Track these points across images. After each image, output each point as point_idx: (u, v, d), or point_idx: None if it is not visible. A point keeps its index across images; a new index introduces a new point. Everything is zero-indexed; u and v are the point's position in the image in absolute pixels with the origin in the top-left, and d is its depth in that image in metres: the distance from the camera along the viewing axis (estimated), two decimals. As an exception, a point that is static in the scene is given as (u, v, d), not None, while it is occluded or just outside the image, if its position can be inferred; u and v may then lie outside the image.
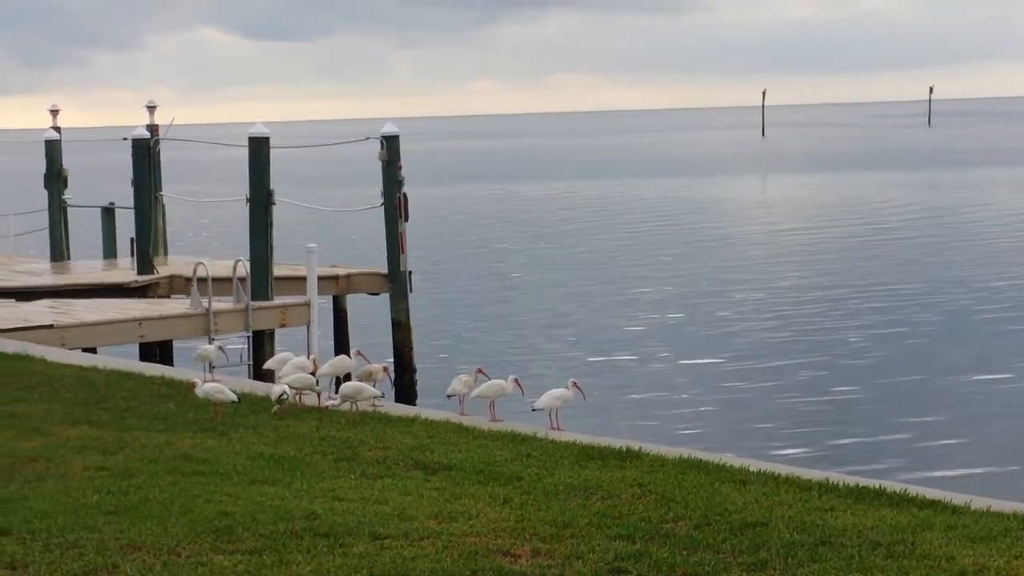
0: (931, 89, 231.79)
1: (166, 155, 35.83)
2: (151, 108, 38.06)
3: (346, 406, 17.06)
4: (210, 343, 23.72)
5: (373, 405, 17.39)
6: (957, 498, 12.69)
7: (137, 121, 36.75)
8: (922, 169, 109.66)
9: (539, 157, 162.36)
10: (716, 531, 11.39)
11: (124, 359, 22.84)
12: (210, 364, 20.66)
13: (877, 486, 12.98)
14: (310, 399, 17.62)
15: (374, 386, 17.87)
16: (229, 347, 24.11)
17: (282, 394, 16.87)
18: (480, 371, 17.86)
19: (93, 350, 25.03)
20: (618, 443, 15.09)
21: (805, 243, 57.85)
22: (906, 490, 12.84)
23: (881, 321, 36.18)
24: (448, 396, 17.73)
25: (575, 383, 16.92)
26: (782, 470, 13.82)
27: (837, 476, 13.62)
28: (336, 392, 17.94)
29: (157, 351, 27.43)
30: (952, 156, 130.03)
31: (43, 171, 37.56)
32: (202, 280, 26.48)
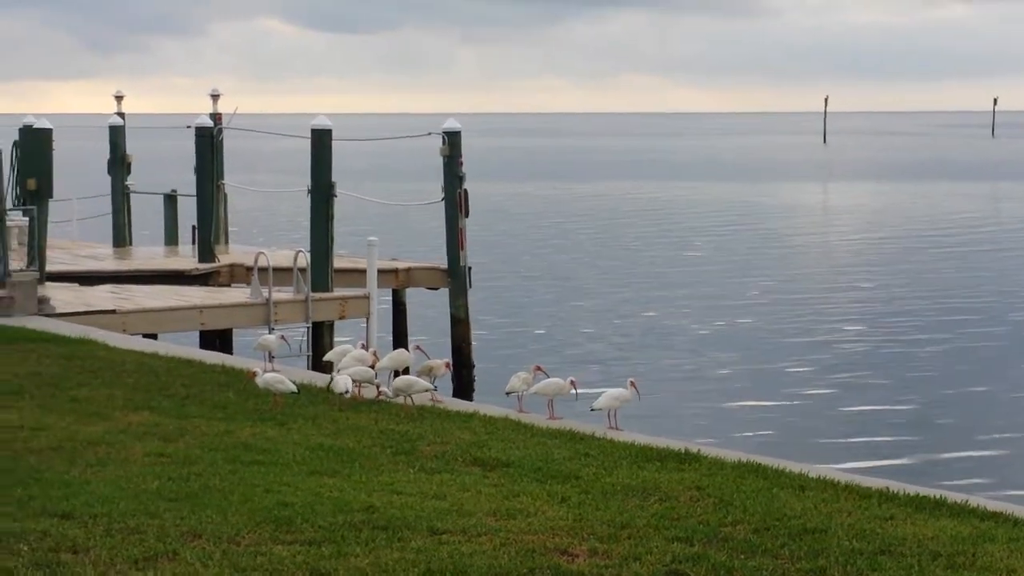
0: (995, 100, 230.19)
1: (229, 144, 35.97)
2: (215, 96, 38.21)
3: (400, 399, 17.10)
4: (270, 333, 23.82)
5: (433, 399, 17.43)
6: (1019, 510, 12.60)
7: (199, 109, 36.91)
8: (986, 180, 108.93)
9: (601, 157, 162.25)
10: (775, 536, 11.35)
11: (184, 346, 22.96)
12: (270, 354, 20.74)
13: (938, 496, 12.91)
14: (368, 392, 17.65)
15: (434, 381, 17.92)
16: (288, 338, 24.16)
17: (346, 391, 16.94)
18: (538, 368, 17.86)
19: (154, 336, 25.17)
20: (676, 445, 15.06)
21: (868, 252, 57.56)
22: (967, 501, 12.76)
23: (946, 332, 35.93)
24: (507, 393, 17.72)
25: (633, 382, 16.90)
26: (841, 477, 13.77)
27: (897, 485, 13.53)
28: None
29: (217, 339, 27.56)
30: (1016, 168, 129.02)
31: (107, 156, 37.77)
32: (263, 270, 26.59)
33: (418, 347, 19.70)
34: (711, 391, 29.10)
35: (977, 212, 77.43)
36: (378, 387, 17.56)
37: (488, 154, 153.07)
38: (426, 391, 17.16)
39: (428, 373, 18.12)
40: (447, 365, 18.52)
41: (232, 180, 37.02)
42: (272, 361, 20.55)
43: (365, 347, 20.83)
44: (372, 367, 18.20)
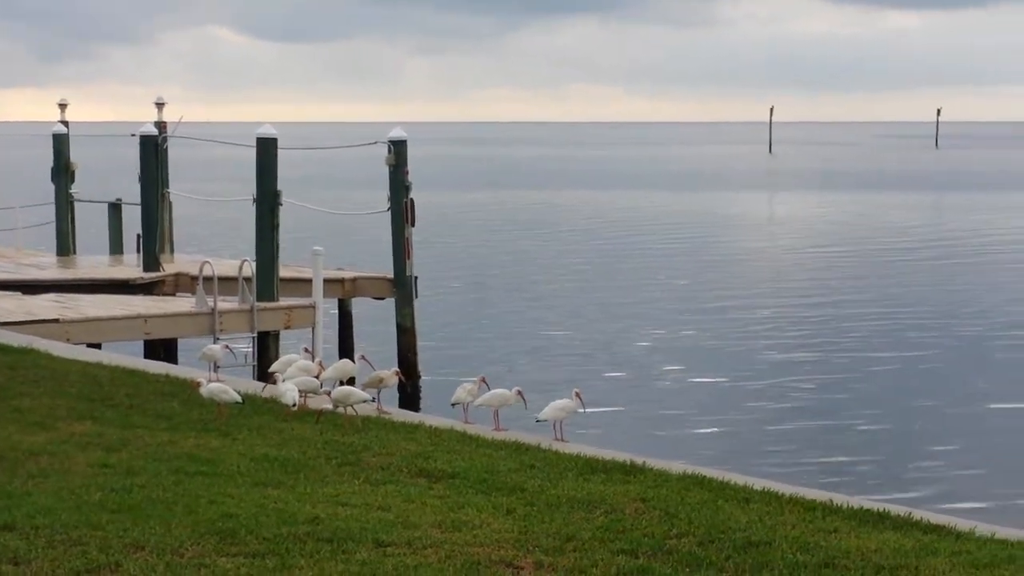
0: (939, 111, 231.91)
1: (174, 152, 35.81)
2: (160, 105, 38.04)
3: (340, 410, 17.05)
4: (215, 342, 23.71)
5: (378, 410, 17.39)
6: (962, 523, 12.69)
7: (146, 117, 36.75)
8: (930, 191, 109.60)
9: (550, 166, 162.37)
10: (719, 549, 11.37)
11: (129, 356, 22.84)
12: (215, 364, 20.66)
13: (881, 509, 12.98)
14: (315, 402, 17.61)
15: (380, 392, 17.89)
16: (233, 348, 24.07)
17: (293, 404, 16.89)
18: (483, 380, 17.87)
19: (98, 346, 25.02)
20: (622, 456, 15.09)
21: (811, 262, 57.80)
22: (910, 514, 12.83)
23: (888, 343, 36.12)
24: (452, 404, 17.72)
25: (578, 393, 16.92)
26: (786, 489, 13.82)
27: (841, 497, 13.60)
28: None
29: (162, 349, 27.42)
30: (959, 179, 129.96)
31: (50, 165, 37.55)
32: (208, 279, 26.49)
33: (363, 357, 19.65)
34: (657, 403, 29.14)
35: (921, 223, 77.89)
36: (319, 412, 17.31)
37: (438, 163, 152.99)
38: (364, 402, 17.08)
39: (379, 383, 18.09)
40: (397, 374, 18.51)
41: (177, 189, 36.86)
42: (217, 371, 20.47)
43: (309, 351, 20.81)
44: (317, 377, 18.17)
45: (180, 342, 28.65)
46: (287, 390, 17.02)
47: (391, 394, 19.27)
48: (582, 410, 17.18)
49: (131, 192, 34.42)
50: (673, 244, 64.42)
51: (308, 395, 17.62)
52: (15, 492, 12.51)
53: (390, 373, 18.36)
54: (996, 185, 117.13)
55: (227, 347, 21.57)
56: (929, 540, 11.89)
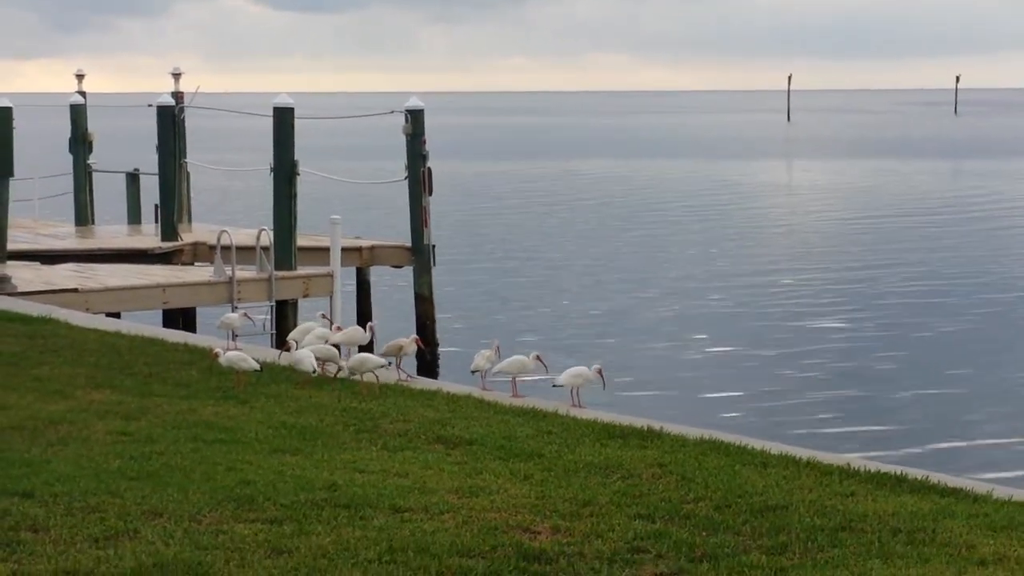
0: (958, 78, 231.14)
1: (191, 122, 35.83)
2: (176, 75, 38.01)
3: (356, 377, 17.05)
4: (233, 311, 23.76)
5: (400, 378, 17.40)
6: (979, 486, 12.67)
7: (163, 88, 36.75)
8: (948, 158, 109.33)
9: (568, 136, 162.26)
10: (736, 513, 11.38)
11: (148, 325, 22.89)
12: (233, 332, 20.68)
13: (898, 472, 12.96)
14: (332, 368, 17.64)
15: (399, 360, 17.90)
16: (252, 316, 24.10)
17: (314, 371, 16.93)
18: (497, 347, 17.86)
19: (117, 315, 25.09)
20: (639, 422, 15.08)
21: (831, 230, 57.73)
22: (927, 477, 12.82)
23: (911, 310, 36.07)
24: (472, 372, 17.72)
25: (600, 370, 16.87)
26: (803, 454, 13.81)
27: (858, 461, 13.60)
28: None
29: (180, 318, 27.49)
30: (978, 145, 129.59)
31: (68, 135, 37.60)
32: (226, 248, 26.54)
33: (371, 327, 19.67)
34: (678, 371, 29.15)
35: (941, 189, 77.70)
36: (338, 368, 17.43)
37: (455, 132, 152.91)
38: (381, 367, 17.06)
39: (399, 351, 18.08)
40: (416, 341, 18.45)
41: (195, 159, 36.89)
42: (235, 339, 20.51)
43: (327, 316, 20.83)
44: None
45: (198, 311, 28.71)
46: (304, 357, 17.03)
47: (409, 362, 19.24)
48: (602, 387, 17.14)
49: (149, 162, 34.46)
50: (693, 213, 64.35)
51: (326, 362, 17.64)
52: (35, 460, 12.56)
53: (409, 340, 18.33)
54: (1014, 151, 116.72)
55: (246, 315, 21.62)
56: (946, 503, 11.88)
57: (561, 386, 16.72)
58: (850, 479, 12.70)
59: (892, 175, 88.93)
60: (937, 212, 64.07)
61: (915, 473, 12.98)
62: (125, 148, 55.91)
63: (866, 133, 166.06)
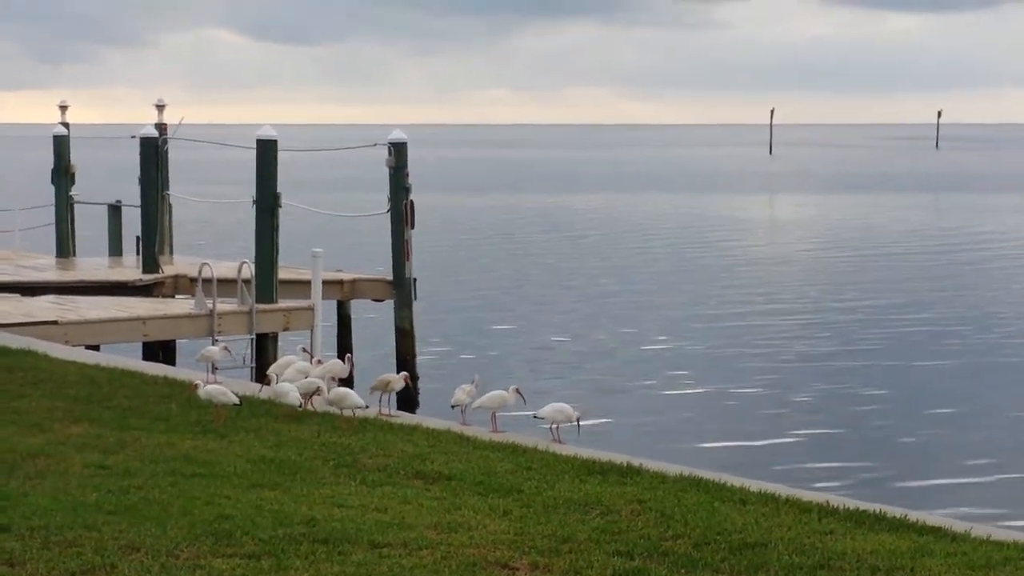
0: (939, 113, 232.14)
1: (174, 154, 35.81)
2: (160, 107, 38.08)
3: (334, 410, 17.05)
4: (214, 344, 23.73)
5: (380, 413, 17.39)
6: (958, 525, 12.67)
7: (146, 119, 36.78)
8: (930, 192, 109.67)
9: (549, 169, 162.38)
10: (715, 550, 11.38)
11: (127, 358, 22.85)
12: (213, 365, 20.66)
13: (877, 510, 12.97)
14: (317, 402, 17.65)
15: (387, 397, 17.91)
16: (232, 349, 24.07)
17: (300, 405, 16.94)
18: (475, 382, 17.87)
19: (96, 348, 25.02)
20: (619, 458, 15.08)
21: (810, 264, 57.84)
22: (906, 515, 12.83)
23: (886, 345, 36.14)
24: (452, 407, 17.71)
25: (579, 418, 16.85)
26: (782, 491, 13.82)
27: (837, 499, 13.60)
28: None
29: (160, 351, 27.43)
30: (959, 180, 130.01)
31: (51, 167, 37.57)
32: (207, 281, 26.50)
33: (349, 359, 19.66)
34: (657, 408, 29.13)
35: (922, 224, 77.90)
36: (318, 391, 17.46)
37: (436, 166, 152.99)
38: (359, 408, 17.03)
39: (386, 387, 18.09)
40: (405, 378, 18.47)
41: (177, 191, 36.87)
42: (215, 372, 20.48)
43: (307, 350, 20.81)
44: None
45: (179, 344, 28.66)
46: (288, 390, 17.04)
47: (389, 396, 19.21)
48: (577, 425, 17.03)
49: (131, 194, 34.44)
50: (674, 248, 64.42)
51: (311, 396, 17.64)
52: (12, 493, 12.52)
53: (398, 377, 18.36)
54: (993, 187, 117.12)
55: (226, 348, 21.58)
56: (925, 541, 11.89)
57: (541, 418, 16.71)
58: (829, 517, 12.71)
59: (874, 209, 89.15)
60: (919, 247, 64.24)
61: (894, 511, 13.00)
62: (107, 180, 55.90)
63: (848, 168, 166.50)
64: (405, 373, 18.86)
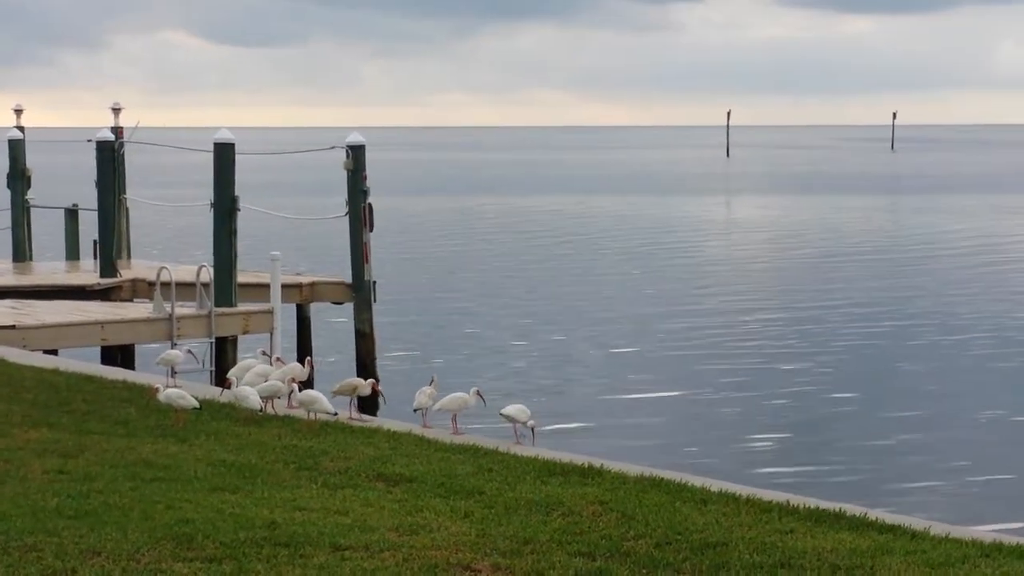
0: (894, 114, 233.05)
1: (131, 158, 35.69)
2: (116, 110, 37.94)
3: (302, 413, 17.04)
4: (173, 348, 23.65)
5: (351, 417, 17.38)
6: (917, 523, 12.74)
7: (102, 122, 36.64)
8: (885, 193, 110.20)
9: (508, 171, 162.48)
10: (677, 550, 11.41)
11: (86, 362, 22.74)
12: (172, 369, 20.59)
13: (837, 509, 13.03)
14: (279, 405, 17.64)
15: (368, 398, 17.90)
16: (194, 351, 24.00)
17: (260, 409, 16.91)
18: (434, 381, 17.89)
19: (54, 352, 24.91)
20: (580, 459, 15.10)
21: (767, 265, 58.05)
22: (866, 514, 12.89)
23: (846, 346, 36.31)
24: (415, 410, 17.70)
25: (532, 426, 16.89)
26: (742, 491, 13.86)
27: (797, 498, 13.64)
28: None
29: (119, 355, 27.31)
30: (915, 181, 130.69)
31: (6, 171, 37.38)
32: (165, 284, 26.40)
33: (309, 361, 19.64)
34: (612, 405, 29.21)
35: (873, 224, 78.26)
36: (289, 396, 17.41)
37: (396, 168, 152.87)
38: (326, 413, 17.00)
39: (353, 391, 18.08)
40: (373, 385, 18.45)
41: (134, 194, 36.74)
42: (175, 376, 20.41)
43: (267, 354, 20.74)
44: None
45: (137, 348, 28.54)
46: (249, 394, 17.01)
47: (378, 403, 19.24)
48: (532, 432, 16.99)
49: (88, 198, 34.29)
50: (633, 250, 64.55)
51: (272, 399, 17.63)
52: (-29, 499, 12.44)
53: (365, 383, 18.36)
54: (948, 188, 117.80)
55: (190, 351, 21.53)
56: (884, 540, 11.95)
57: (507, 416, 16.69)
58: (789, 516, 12.76)
59: (833, 211, 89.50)
60: (877, 248, 64.55)
61: (853, 510, 13.05)
62: (64, 183, 55.67)
63: (805, 169, 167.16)
64: (373, 381, 18.86)
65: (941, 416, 28.30)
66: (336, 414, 17.14)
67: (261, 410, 17.01)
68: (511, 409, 16.76)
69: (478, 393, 17.39)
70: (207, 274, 27.08)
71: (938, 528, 12.59)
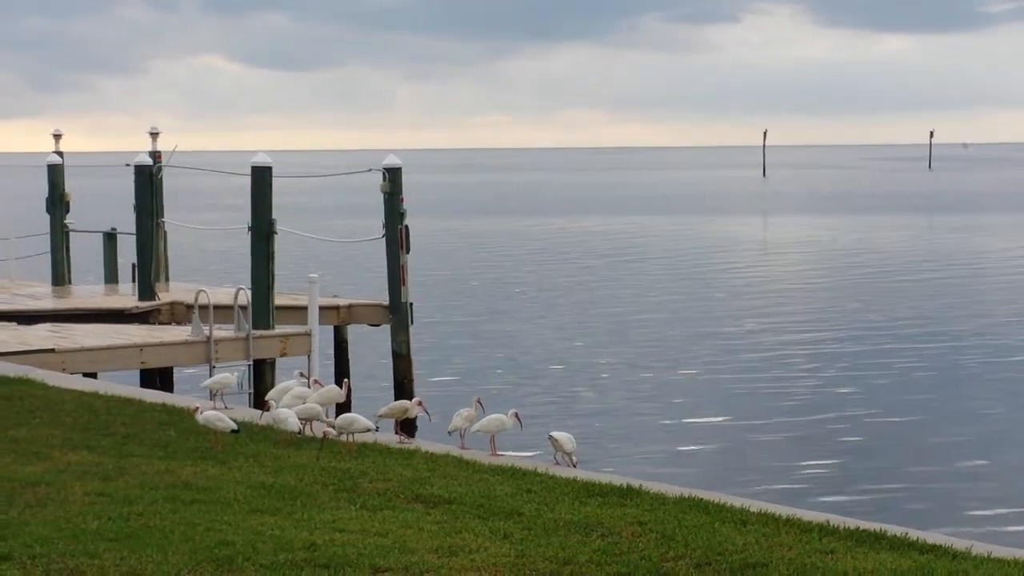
0: (931, 133, 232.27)
1: (169, 182, 35.84)
2: (154, 135, 38.11)
3: (342, 437, 17.06)
4: (211, 371, 23.69)
5: (400, 440, 17.42)
6: (958, 543, 12.66)
7: (140, 147, 36.81)
8: (923, 212, 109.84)
9: (544, 193, 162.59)
10: (716, 571, 11.37)
11: (125, 385, 22.82)
12: (222, 393, 20.41)
13: (878, 529, 12.95)
14: (317, 429, 17.65)
15: (409, 421, 17.90)
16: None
17: (299, 431, 16.95)
18: (478, 401, 17.87)
19: (94, 375, 25.01)
20: (619, 480, 15.07)
21: (806, 286, 57.87)
22: (907, 534, 12.81)
23: (882, 366, 36.15)
24: (449, 432, 17.70)
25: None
26: (782, 511, 13.79)
27: (837, 519, 13.58)
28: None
29: (157, 378, 27.40)
30: (951, 199, 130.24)
31: (45, 195, 37.59)
32: (203, 307, 26.49)
33: (346, 383, 19.63)
34: (653, 427, 29.15)
35: (912, 244, 78.00)
36: (324, 431, 17.36)
37: (432, 190, 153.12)
38: (367, 431, 17.05)
39: (403, 413, 18.12)
40: (420, 403, 18.46)
41: (172, 218, 36.89)
42: (222, 400, 20.29)
43: (305, 376, 20.73)
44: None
45: (176, 371, 28.63)
46: (288, 416, 17.04)
47: (425, 421, 19.19)
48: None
49: (126, 222, 34.45)
50: (671, 270, 64.48)
51: (311, 422, 17.65)
52: (12, 522, 12.50)
53: (413, 403, 18.38)
54: (986, 206, 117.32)
55: (237, 376, 21.53)
56: (926, 560, 11.88)
57: (555, 440, 16.66)
58: (829, 536, 12.69)
59: (867, 230, 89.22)
60: (915, 267, 64.29)
61: (894, 530, 12.98)
62: (102, 207, 55.94)
63: (842, 188, 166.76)
64: (419, 399, 18.87)
65: (981, 436, 28.14)
66: (377, 428, 17.18)
67: (299, 432, 17.04)
68: (560, 436, 16.70)
69: (516, 416, 17.38)
70: (245, 297, 27.17)
71: (980, 548, 12.50)
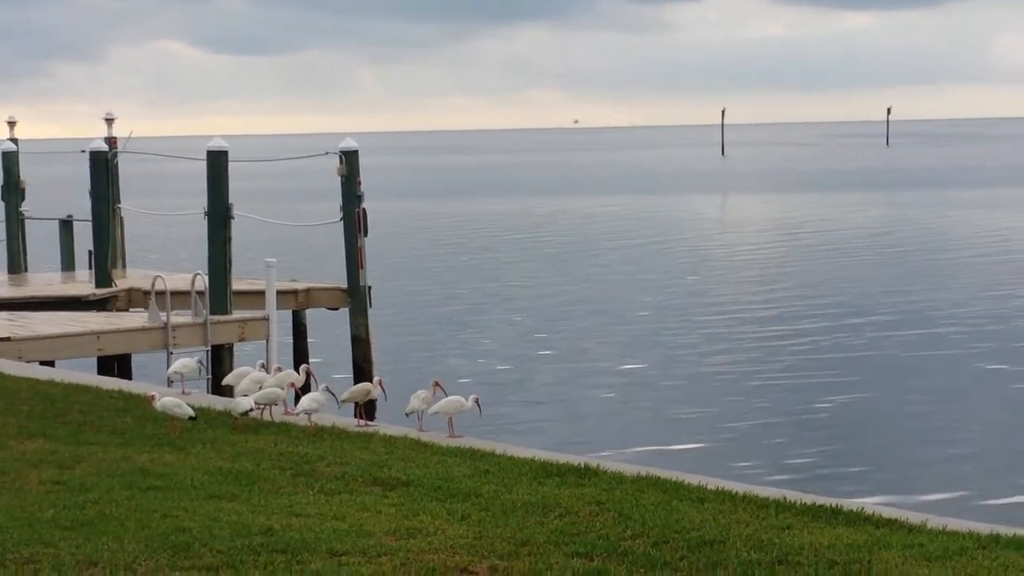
0: (889, 110, 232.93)
1: (125, 168, 35.66)
2: (109, 120, 37.90)
3: (304, 419, 17.07)
4: (168, 357, 23.61)
5: (359, 424, 17.45)
6: (913, 517, 12.74)
7: (98, 133, 36.60)
8: (881, 189, 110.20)
9: (505, 173, 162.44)
10: (674, 549, 11.40)
11: (82, 372, 22.74)
12: (182, 378, 20.32)
13: (833, 504, 13.02)
14: (276, 411, 17.66)
15: (371, 402, 17.98)
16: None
17: (249, 410, 16.91)
18: (437, 384, 17.86)
19: (51, 363, 24.90)
20: (576, 460, 15.10)
21: (764, 263, 58.00)
22: (862, 508, 12.89)
23: (839, 341, 36.30)
24: (407, 414, 17.70)
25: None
26: (739, 488, 13.85)
27: (794, 494, 13.65)
28: (296, 405, 18.00)
29: (115, 365, 27.31)
30: (909, 175, 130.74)
31: (0, 183, 37.36)
32: (160, 294, 26.41)
33: (308, 370, 19.59)
34: (610, 404, 29.19)
35: (869, 221, 78.24)
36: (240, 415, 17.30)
37: (391, 173, 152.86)
38: (334, 398, 17.18)
39: (366, 396, 18.13)
40: (380, 383, 18.47)
41: (128, 204, 36.73)
42: (184, 385, 20.19)
43: (265, 366, 20.69)
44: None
45: (134, 358, 28.53)
46: (240, 399, 17.06)
47: (347, 406, 19.17)
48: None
49: (82, 209, 34.27)
50: (630, 249, 64.52)
51: (271, 406, 17.63)
52: (-33, 511, 12.43)
53: (374, 383, 18.40)
54: (945, 182, 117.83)
55: (200, 361, 21.48)
56: (882, 534, 11.95)
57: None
58: (786, 512, 12.75)
59: (825, 207, 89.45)
60: (874, 244, 64.52)
61: (850, 505, 13.06)
62: (58, 194, 55.65)
63: (800, 166, 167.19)
64: (379, 378, 18.86)
65: (936, 411, 28.29)
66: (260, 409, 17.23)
67: (250, 411, 16.98)
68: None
69: (476, 401, 17.37)
70: (202, 282, 27.09)
71: (935, 521, 12.59)
